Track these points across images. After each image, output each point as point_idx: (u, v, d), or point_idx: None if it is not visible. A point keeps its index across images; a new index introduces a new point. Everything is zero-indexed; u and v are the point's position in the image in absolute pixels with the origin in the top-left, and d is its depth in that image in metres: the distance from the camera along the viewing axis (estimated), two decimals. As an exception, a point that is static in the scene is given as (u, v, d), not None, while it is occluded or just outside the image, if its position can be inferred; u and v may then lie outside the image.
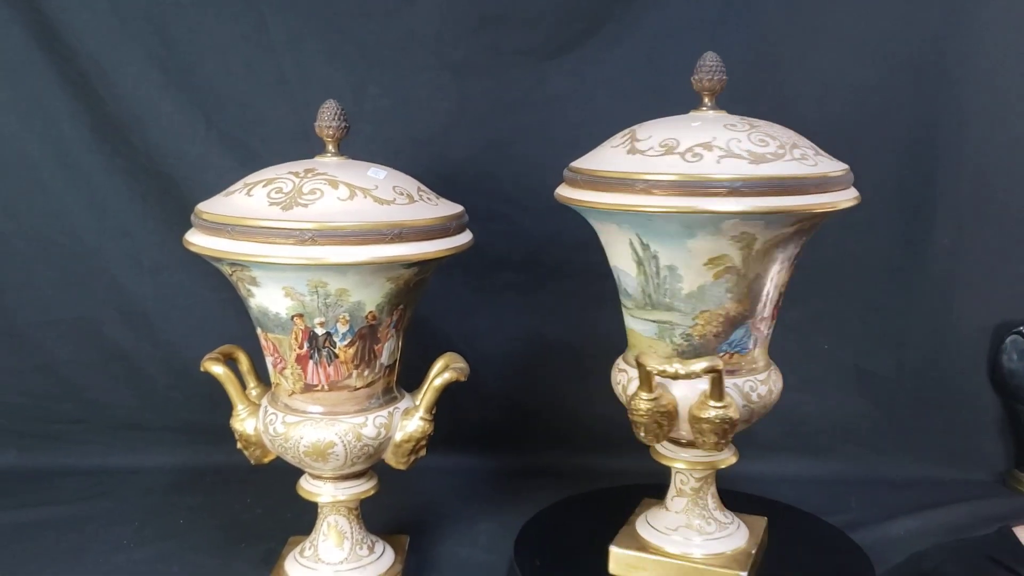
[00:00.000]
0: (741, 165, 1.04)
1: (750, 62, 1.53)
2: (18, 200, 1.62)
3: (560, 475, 1.62)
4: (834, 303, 1.63)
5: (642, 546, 1.25)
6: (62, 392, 1.69)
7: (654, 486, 1.41)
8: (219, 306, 1.65)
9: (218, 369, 1.21)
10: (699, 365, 1.08)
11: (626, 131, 1.16)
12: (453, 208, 1.16)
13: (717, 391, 1.10)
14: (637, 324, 1.17)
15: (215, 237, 1.09)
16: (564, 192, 1.16)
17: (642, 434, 1.16)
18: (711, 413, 1.11)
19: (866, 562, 1.29)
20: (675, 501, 1.27)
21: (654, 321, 1.15)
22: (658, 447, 1.26)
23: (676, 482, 1.27)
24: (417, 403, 1.20)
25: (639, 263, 1.12)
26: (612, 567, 1.25)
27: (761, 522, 1.31)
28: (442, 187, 1.21)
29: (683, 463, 1.23)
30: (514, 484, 1.62)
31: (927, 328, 1.65)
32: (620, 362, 1.24)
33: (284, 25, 1.55)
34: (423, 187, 1.17)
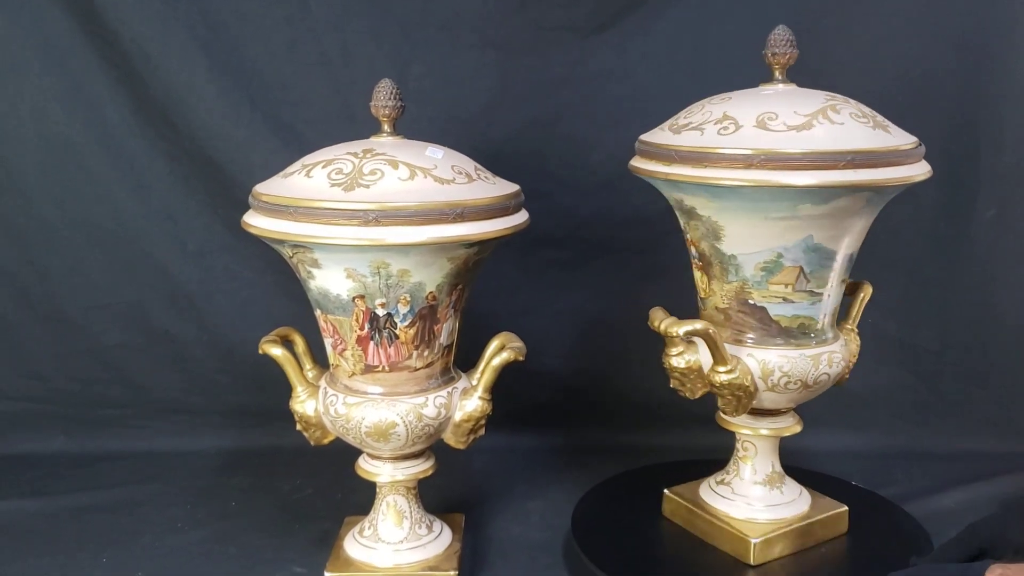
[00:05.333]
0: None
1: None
2: (63, 186, 1.62)
3: (606, 453, 1.62)
4: (878, 276, 1.62)
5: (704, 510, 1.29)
6: (110, 377, 1.70)
7: (705, 462, 1.41)
8: (264, 288, 1.65)
9: (277, 351, 1.21)
10: None
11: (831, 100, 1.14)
12: (510, 187, 1.16)
13: None
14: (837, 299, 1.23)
15: (277, 219, 1.08)
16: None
17: None
18: None
19: (922, 533, 1.30)
20: (740, 468, 1.29)
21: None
22: (727, 416, 1.28)
23: (741, 450, 1.29)
24: (475, 383, 1.20)
25: (860, 233, 1.20)
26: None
27: (833, 502, 1.33)
28: (486, 165, 1.21)
29: (750, 430, 1.26)
30: (561, 462, 1.63)
31: (970, 301, 1.65)
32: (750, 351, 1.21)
33: (327, 6, 1.55)
34: (479, 166, 1.17)
